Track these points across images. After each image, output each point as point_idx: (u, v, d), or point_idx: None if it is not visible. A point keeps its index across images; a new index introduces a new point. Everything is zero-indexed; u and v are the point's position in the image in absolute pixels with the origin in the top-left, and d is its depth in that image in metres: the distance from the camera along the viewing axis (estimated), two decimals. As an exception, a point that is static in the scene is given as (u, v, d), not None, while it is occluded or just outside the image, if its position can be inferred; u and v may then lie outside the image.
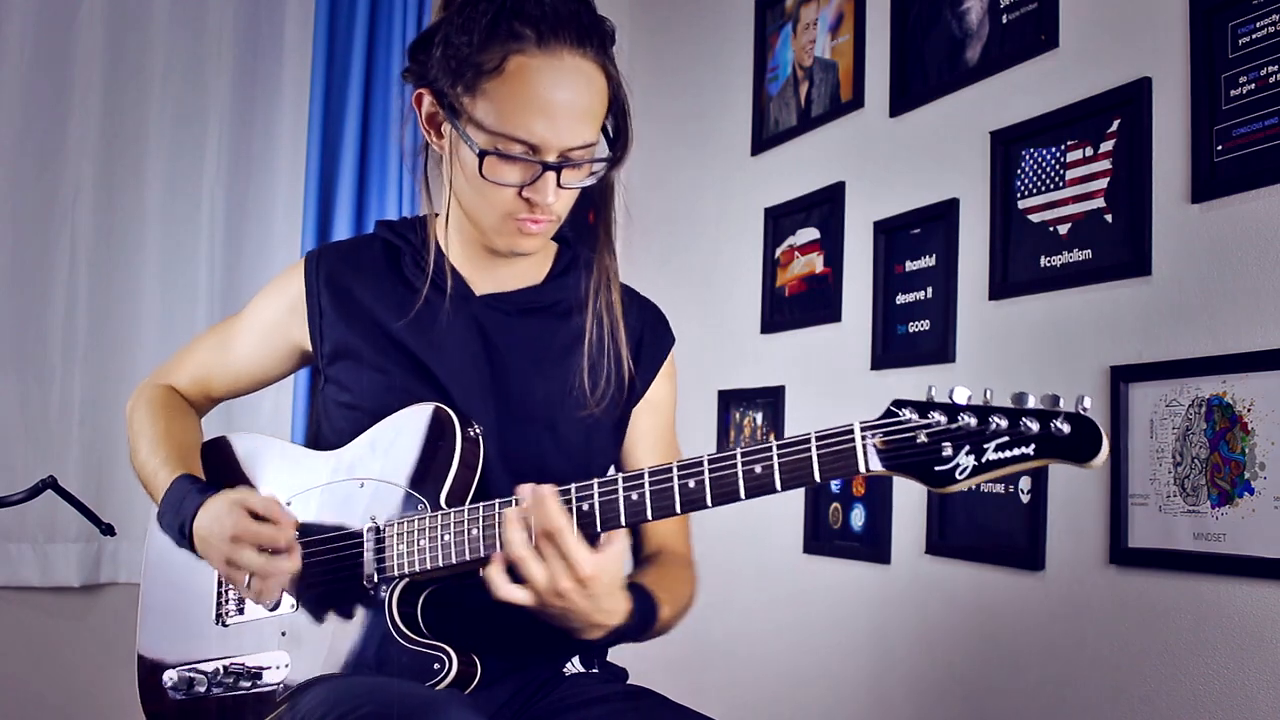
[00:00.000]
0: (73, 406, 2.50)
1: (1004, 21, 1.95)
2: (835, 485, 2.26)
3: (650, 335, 1.39)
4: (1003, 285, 1.90)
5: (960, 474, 0.96)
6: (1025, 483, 1.83)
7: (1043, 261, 1.83)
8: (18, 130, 2.49)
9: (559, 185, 1.19)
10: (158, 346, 2.55)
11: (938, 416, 0.97)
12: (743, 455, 1.04)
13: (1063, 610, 1.75)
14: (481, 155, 1.16)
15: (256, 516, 1.21)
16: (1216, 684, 1.53)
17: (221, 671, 1.28)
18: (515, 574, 1.10)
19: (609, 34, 1.21)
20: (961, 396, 0.97)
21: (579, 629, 1.13)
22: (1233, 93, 1.56)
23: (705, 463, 1.06)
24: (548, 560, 1.08)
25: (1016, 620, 1.83)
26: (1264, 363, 1.49)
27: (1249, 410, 1.51)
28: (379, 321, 1.30)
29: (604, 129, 1.24)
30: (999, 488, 1.88)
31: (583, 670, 1.33)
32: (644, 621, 1.18)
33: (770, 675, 2.39)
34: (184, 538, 1.27)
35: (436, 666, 1.16)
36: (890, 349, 2.14)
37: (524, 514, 1.09)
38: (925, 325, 2.06)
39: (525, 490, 1.10)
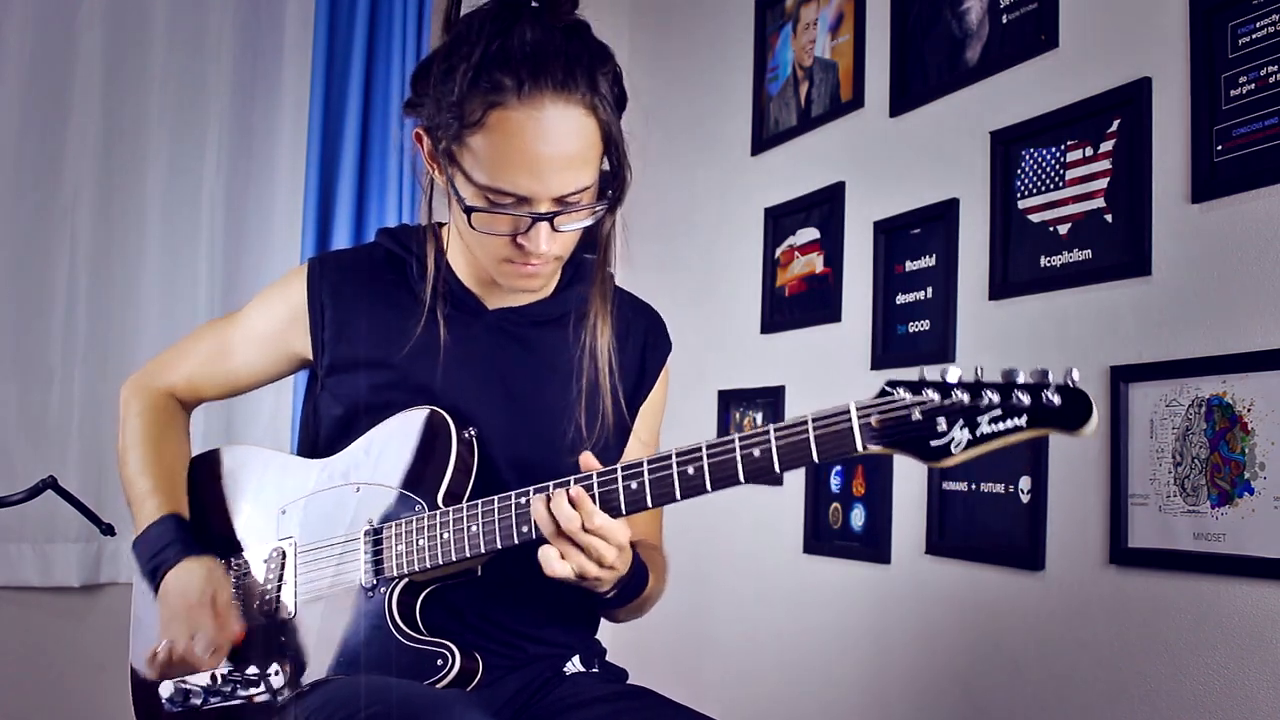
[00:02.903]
0: (73, 407, 2.50)
1: (1004, 21, 1.95)
2: (835, 485, 2.26)
3: (651, 341, 1.40)
4: (1003, 285, 1.90)
5: (955, 448, 0.97)
6: (1025, 482, 1.83)
7: (1043, 261, 1.83)
8: (18, 130, 2.49)
9: (554, 230, 1.16)
10: (157, 347, 2.53)
11: (931, 394, 0.98)
12: (741, 440, 1.05)
13: (1063, 610, 1.75)
14: (468, 211, 1.15)
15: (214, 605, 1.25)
16: (1217, 684, 1.53)
17: (219, 681, 1.27)
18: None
19: (600, 67, 1.15)
20: (954, 375, 0.98)
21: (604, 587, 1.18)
22: (1233, 93, 1.56)
23: (704, 448, 1.07)
24: (585, 546, 1.11)
25: (1016, 620, 1.83)
26: (1264, 363, 1.49)
27: (1249, 410, 1.51)
28: (384, 336, 1.29)
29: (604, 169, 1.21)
30: (999, 487, 1.88)
31: (583, 670, 1.33)
32: (639, 574, 1.22)
33: (770, 675, 2.39)
34: (151, 579, 1.29)
35: (439, 664, 1.16)
36: (890, 349, 2.14)
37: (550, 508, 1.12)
38: (925, 325, 2.06)
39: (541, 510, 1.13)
